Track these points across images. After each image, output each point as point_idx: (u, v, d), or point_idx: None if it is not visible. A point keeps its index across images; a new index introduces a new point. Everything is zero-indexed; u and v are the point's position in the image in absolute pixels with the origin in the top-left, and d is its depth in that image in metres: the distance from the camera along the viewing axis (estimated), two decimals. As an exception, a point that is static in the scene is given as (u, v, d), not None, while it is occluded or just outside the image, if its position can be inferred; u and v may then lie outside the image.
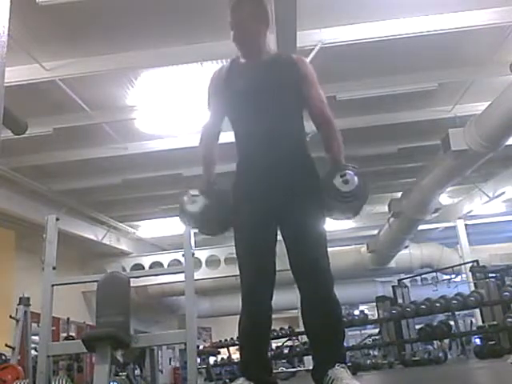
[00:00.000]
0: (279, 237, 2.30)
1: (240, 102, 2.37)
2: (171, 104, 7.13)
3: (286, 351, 11.63)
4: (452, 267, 12.04)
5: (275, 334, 10.61)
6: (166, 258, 12.23)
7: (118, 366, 6.03)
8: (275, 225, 2.28)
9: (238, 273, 2.28)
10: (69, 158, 8.37)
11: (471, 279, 10.91)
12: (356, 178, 2.21)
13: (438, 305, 9.09)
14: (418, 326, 10.32)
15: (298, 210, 2.23)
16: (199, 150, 2.51)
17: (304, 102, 2.38)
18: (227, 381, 9.32)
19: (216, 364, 13.00)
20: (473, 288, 10.14)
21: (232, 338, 11.99)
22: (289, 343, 12.16)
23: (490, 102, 6.84)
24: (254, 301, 2.23)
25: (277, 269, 2.27)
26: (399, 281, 11.98)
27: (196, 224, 2.44)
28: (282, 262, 2.23)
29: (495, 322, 8.79)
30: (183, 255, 2.93)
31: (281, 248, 2.27)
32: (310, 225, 2.23)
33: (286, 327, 11.34)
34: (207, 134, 2.51)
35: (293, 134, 2.35)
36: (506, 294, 8.42)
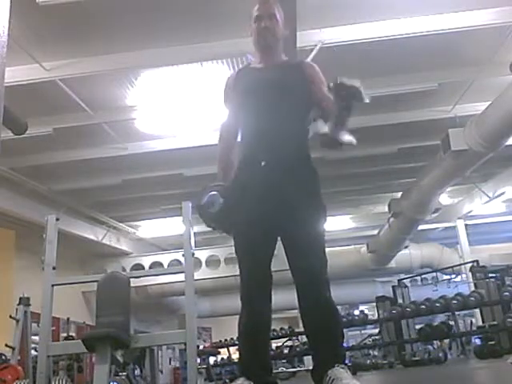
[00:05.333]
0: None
1: (246, 101, 2.39)
2: (171, 104, 7.12)
3: (285, 351, 11.63)
4: (452, 267, 12.04)
5: (275, 333, 10.61)
6: (166, 258, 12.21)
7: (118, 366, 6.03)
8: (274, 226, 2.28)
9: (238, 273, 2.28)
10: (69, 158, 8.36)
11: (471, 279, 10.90)
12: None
13: (437, 305, 9.10)
14: (418, 326, 10.32)
15: (298, 213, 2.24)
16: (218, 149, 2.52)
17: (313, 99, 2.39)
18: (227, 381, 9.32)
19: (216, 364, 13.00)
20: (473, 288, 10.14)
21: (232, 338, 11.98)
22: (289, 343, 12.16)
23: (490, 102, 6.84)
24: (254, 301, 2.24)
25: (277, 268, 2.27)
26: (399, 281, 11.98)
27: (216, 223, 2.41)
28: (283, 261, 2.23)
29: (495, 322, 8.80)
30: (183, 255, 2.93)
31: (281, 247, 2.28)
32: (309, 229, 2.23)
33: (286, 327, 11.33)
34: (226, 133, 2.53)
35: (296, 135, 2.36)
36: (506, 294, 8.42)
